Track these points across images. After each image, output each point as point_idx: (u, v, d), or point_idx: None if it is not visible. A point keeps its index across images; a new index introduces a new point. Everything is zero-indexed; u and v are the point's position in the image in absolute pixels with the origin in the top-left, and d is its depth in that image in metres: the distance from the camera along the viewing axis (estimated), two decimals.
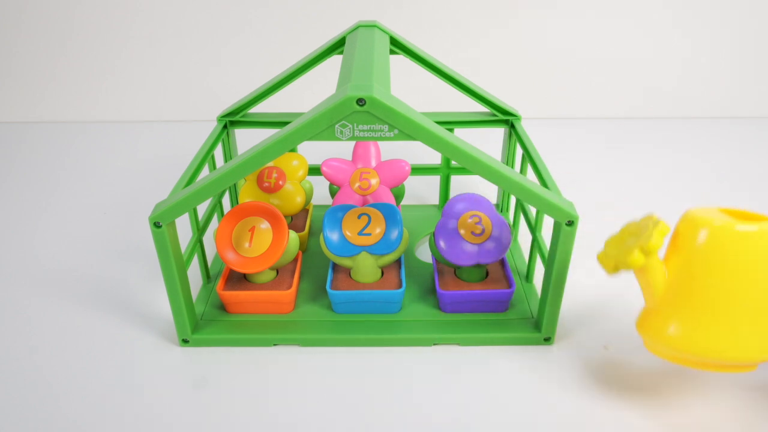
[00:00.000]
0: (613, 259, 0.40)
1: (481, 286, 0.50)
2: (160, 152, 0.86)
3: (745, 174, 0.78)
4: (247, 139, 0.61)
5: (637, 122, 0.96)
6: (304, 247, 0.59)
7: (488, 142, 0.64)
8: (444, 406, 0.43)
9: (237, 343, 0.49)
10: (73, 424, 0.42)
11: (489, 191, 0.70)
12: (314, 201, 0.68)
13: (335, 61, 0.59)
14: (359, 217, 0.50)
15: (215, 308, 0.52)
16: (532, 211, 0.56)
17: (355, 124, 0.40)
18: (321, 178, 0.65)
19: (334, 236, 0.49)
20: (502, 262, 0.52)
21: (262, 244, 0.49)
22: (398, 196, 0.61)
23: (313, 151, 0.68)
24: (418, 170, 0.63)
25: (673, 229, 0.40)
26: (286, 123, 0.56)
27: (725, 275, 0.37)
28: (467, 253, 0.48)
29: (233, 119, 0.59)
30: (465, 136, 0.53)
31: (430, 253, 0.59)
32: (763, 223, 0.37)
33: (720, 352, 0.37)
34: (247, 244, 0.49)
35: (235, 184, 0.62)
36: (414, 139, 0.40)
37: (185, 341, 0.48)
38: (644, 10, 0.92)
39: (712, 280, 0.37)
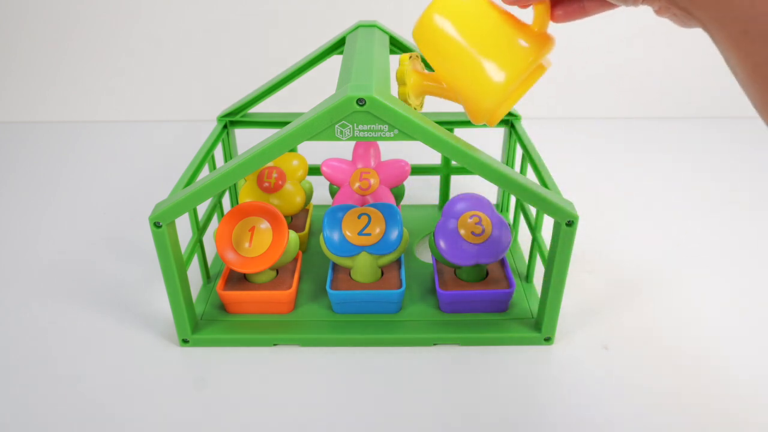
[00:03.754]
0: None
1: (481, 286, 0.50)
2: (160, 152, 0.86)
3: (745, 174, 0.78)
4: (247, 139, 0.61)
5: (637, 122, 0.96)
6: (304, 247, 0.59)
7: (488, 142, 0.64)
8: (444, 406, 0.43)
9: (237, 343, 0.49)
10: (74, 424, 0.42)
11: (489, 191, 0.70)
12: (314, 201, 0.68)
13: (335, 61, 0.58)
14: (359, 217, 0.50)
15: (215, 308, 0.52)
16: (532, 211, 0.56)
17: (355, 124, 0.40)
18: (321, 178, 0.65)
19: (334, 236, 0.49)
20: (502, 262, 0.52)
21: (262, 244, 0.49)
22: (398, 196, 0.61)
23: (313, 151, 0.68)
24: (418, 170, 0.63)
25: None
26: (286, 123, 0.56)
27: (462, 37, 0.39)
28: (467, 253, 0.48)
29: (233, 119, 0.59)
30: (465, 136, 0.53)
31: (430, 253, 0.59)
32: None
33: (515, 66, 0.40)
34: (247, 244, 0.49)
35: (235, 184, 0.62)
36: (414, 139, 0.40)
37: (185, 341, 0.48)
38: (644, 10, 0.91)
39: (456, 45, 0.39)
